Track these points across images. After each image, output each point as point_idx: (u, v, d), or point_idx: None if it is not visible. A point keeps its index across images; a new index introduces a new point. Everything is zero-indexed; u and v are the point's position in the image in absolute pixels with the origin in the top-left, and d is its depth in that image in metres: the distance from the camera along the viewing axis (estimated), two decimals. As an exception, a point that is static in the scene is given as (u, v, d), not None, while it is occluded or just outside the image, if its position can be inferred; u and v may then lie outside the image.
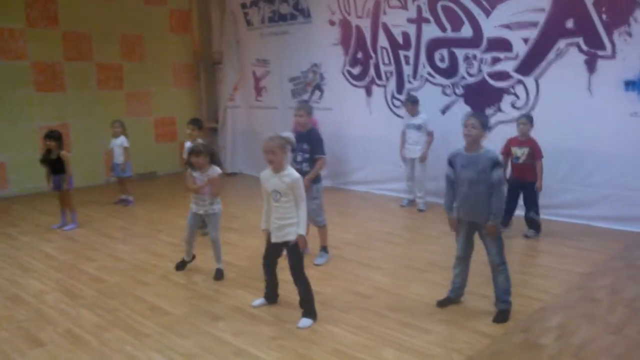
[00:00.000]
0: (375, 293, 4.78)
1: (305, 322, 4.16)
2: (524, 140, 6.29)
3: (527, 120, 6.33)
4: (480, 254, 4.37)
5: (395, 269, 5.44)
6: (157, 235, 6.78)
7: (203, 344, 3.87)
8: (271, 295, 4.55)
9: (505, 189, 4.21)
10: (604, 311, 4.31)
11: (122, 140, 8.36)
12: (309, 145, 5.46)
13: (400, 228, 7.16)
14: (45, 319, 4.36)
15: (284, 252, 4.31)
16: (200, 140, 5.94)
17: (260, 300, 4.54)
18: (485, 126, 4.15)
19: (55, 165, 7.01)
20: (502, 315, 4.15)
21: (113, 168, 8.54)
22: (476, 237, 4.31)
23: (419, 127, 7.68)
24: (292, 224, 4.15)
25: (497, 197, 4.07)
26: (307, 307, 4.24)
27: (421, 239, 6.58)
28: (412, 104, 7.74)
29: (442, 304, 4.45)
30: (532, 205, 6.34)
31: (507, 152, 6.39)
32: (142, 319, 4.32)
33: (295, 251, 4.20)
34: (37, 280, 5.27)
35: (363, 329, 4.07)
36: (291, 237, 4.14)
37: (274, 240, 4.24)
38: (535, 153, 6.23)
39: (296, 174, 4.16)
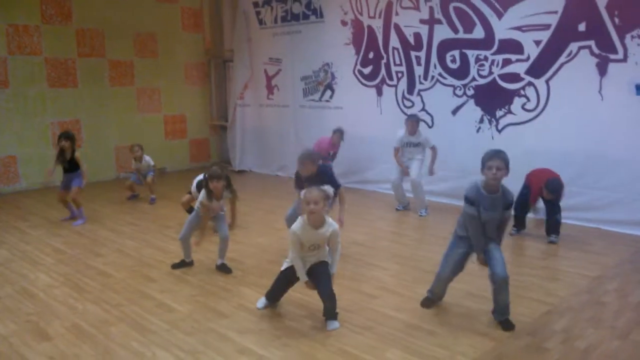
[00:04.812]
0: (381, 293, 4.78)
1: (334, 324, 4.08)
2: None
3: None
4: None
5: (402, 269, 5.43)
6: (164, 231, 6.82)
7: (207, 341, 3.89)
8: (275, 299, 4.42)
9: None
10: (611, 315, 4.28)
11: (147, 159, 8.56)
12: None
13: (408, 228, 7.14)
14: (53, 313, 4.40)
15: None
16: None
17: (263, 301, 4.41)
18: (508, 165, 3.95)
19: (69, 165, 7.10)
20: (507, 324, 4.07)
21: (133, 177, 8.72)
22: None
23: (417, 145, 7.51)
24: (325, 255, 4.15)
25: (505, 229, 4.21)
26: (332, 313, 4.13)
27: (429, 239, 6.56)
28: (416, 122, 7.51)
29: (426, 304, 4.46)
30: (556, 207, 6.19)
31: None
32: (148, 315, 4.35)
33: (325, 269, 4.13)
34: (45, 274, 5.32)
35: (368, 329, 4.07)
36: (325, 259, 4.14)
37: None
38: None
39: (336, 225, 4.05)
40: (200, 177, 6.27)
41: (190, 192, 6.73)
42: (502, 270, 4.01)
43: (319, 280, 4.12)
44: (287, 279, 4.26)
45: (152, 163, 8.60)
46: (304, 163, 5.24)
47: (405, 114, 8.45)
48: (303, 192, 4.15)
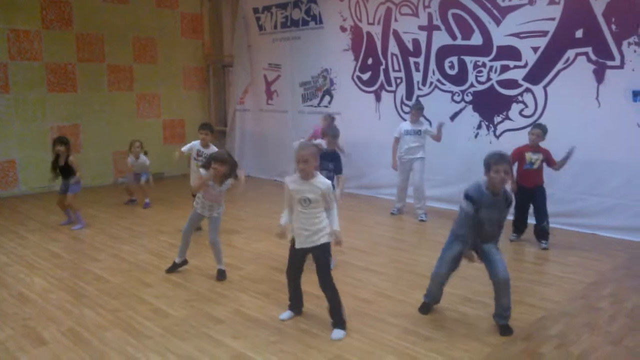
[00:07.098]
0: (378, 299, 4.78)
1: (338, 333, 4.04)
2: (538, 147, 6.24)
3: (541, 130, 6.21)
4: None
5: (399, 274, 5.44)
6: (160, 236, 6.82)
7: (202, 347, 3.89)
8: (297, 306, 4.42)
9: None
10: (605, 321, 4.29)
11: (143, 159, 8.46)
12: (333, 164, 5.65)
13: (406, 233, 7.15)
14: (49, 318, 4.40)
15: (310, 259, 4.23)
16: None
17: (287, 314, 4.39)
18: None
19: (63, 170, 7.11)
20: (506, 329, 4.09)
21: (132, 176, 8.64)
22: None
23: (418, 132, 7.56)
24: (323, 227, 4.06)
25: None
26: (338, 316, 4.11)
27: (426, 244, 6.56)
28: (419, 110, 7.63)
29: (424, 309, 4.48)
30: (543, 213, 6.24)
31: (518, 159, 6.28)
32: (144, 320, 4.35)
33: (324, 254, 4.09)
34: (42, 278, 5.32)
35: (364, 334, 4.07)
36: (325, 239, 4.06)
37: (301, 246, 4.10)
38: (549, 160, 6.20)
39: (328, 181, 4.05)
40: (195, 143, 6.79)
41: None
42: (503, 271, 4.06)
43: (317, 270, 4.13)
44: (292, 260, 4.26)
45: (147, 163, 8.50)
46: (331, 140, 5.81)
47: (403, 119, 8.47)
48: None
